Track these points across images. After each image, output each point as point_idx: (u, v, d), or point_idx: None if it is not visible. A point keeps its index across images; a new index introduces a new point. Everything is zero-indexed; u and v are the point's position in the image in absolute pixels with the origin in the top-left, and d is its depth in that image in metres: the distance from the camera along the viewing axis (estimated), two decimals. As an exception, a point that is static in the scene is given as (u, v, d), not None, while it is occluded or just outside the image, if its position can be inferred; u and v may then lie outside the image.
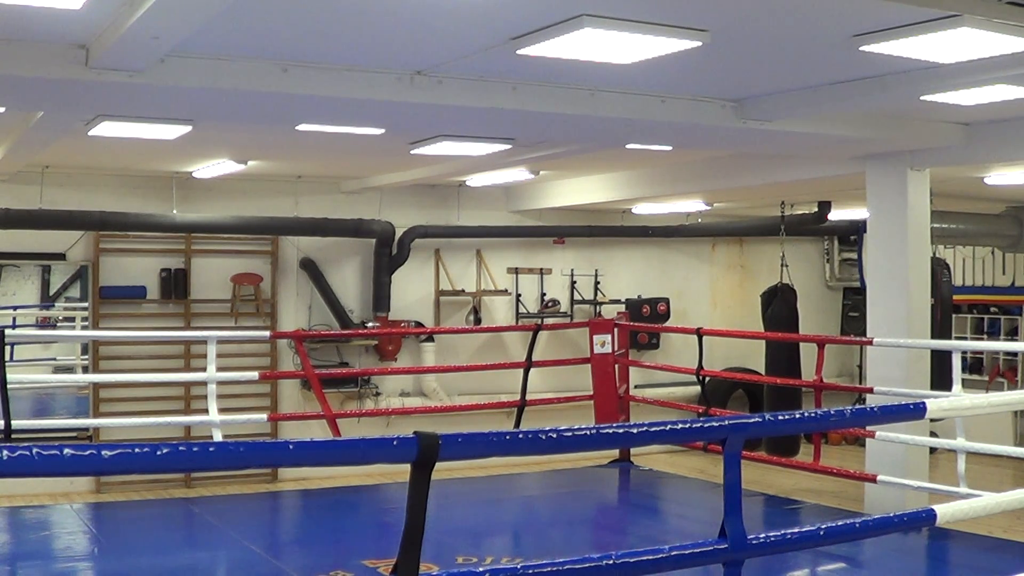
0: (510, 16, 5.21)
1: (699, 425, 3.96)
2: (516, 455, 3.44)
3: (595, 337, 10.27)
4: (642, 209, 13.79)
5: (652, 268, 14.45)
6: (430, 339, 12.77)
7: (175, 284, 11.74)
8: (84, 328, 11.69)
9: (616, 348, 10.31)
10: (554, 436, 3.25)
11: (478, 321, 13.18)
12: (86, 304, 11.60)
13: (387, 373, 12.45)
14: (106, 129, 7.70)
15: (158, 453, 2.62)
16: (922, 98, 6.83)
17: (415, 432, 2.95)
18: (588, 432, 3.35)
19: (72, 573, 6.49)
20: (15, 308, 12.05)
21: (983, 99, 6.96)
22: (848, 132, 8.00)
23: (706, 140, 8.57)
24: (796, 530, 4.08)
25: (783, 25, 5.44)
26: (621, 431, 4.35)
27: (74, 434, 10.93)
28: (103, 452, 2.57)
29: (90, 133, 7.88)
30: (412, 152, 9.20)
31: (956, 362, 7.79)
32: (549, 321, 12.82)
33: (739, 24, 5.38)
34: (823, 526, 4.09)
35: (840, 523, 4.15)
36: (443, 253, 13.14)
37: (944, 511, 4.25)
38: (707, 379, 10.10)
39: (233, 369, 10.08)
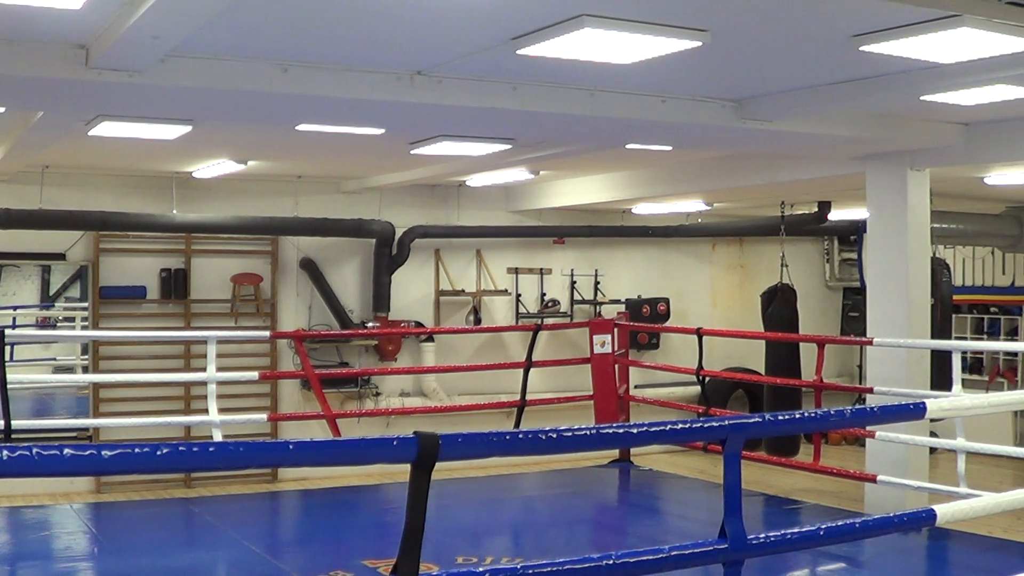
0: (510, 16, 5.21)
1: (699, 425, 3.96)
2: (516, 455, 3.44)
3: (595, 337, 10.27)
4: (642, 209, 13.79)
5: (652, 268, 14.45)
6: (430, 339, 12.77)
7: (175, 284, 11.74)
8: (84, 328, 11.69)
9: (616, 348, 10.31)
10: (554, 436, 3.25)
11: (478, 321, 13.17)
12: (86, 304, 11.59)
13: (387, 373, 12.44)
14: (106, 129, 7.70)
15: (158, 453, 2.62)
16: (922, 98, 6.83)
17: (415, 432, 2.95)
18: (588, 432, 3.35)
19: (72, 573, 6.49)
20: (15, 308, 12.05)
21: (983, 99, 6.96)
22: (848, 132, 7.99)
23: (706, 140, 8.57)
24: (796, 530, 4.09)
25: (783, 25, 5.44)
26: (621, 431, 4.34)
27: (74, 434, 10.93)
28: (103, 452, 2.57)
29: (90, 133, 7.88)
30: (412, 152, 9.20)
31: (956, 362, 7.79)
32: (549, 321, 12.82)
33: (739, 24, 5.38)
34: (823, 526, 4.10)
35: (840, 523, 4.15)
36: (443, 253, 13.14)
37: (944, 511, 4.25)
38: (707, 379, 10.11)
39: (233, 369, 10.10)
